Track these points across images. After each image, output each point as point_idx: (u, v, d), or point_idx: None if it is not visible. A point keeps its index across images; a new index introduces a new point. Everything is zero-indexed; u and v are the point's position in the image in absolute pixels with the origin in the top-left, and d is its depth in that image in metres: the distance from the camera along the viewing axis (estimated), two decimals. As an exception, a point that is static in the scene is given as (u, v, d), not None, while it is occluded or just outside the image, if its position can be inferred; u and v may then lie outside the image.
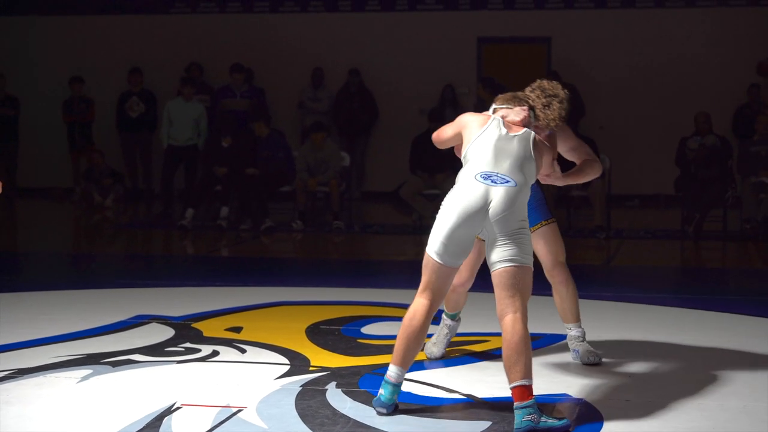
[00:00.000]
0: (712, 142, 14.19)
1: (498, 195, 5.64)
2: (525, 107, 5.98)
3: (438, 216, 5.76)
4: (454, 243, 5.68)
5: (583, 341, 6.87)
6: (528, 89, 6.26)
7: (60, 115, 17.86)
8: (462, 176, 5.80)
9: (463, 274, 6.56)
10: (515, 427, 5.38)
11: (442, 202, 5.78)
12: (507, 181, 5.68)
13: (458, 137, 5.97)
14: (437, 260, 5.72)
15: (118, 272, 11.47)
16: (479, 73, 17.90)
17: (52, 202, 17.91)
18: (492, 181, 5.68)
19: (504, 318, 5.57)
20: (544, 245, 6.67)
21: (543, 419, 5.39)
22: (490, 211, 5.62)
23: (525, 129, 5.89)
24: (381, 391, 5.73)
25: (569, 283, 6.82)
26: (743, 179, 14.13)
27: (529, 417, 5.35)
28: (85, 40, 18.75)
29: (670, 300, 9.37)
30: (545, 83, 6.26)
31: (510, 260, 5.59)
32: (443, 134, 6.08)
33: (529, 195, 5.81)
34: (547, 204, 6.77)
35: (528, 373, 5.43)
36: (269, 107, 16.63)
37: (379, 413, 5.67)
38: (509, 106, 5.98)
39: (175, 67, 17.75)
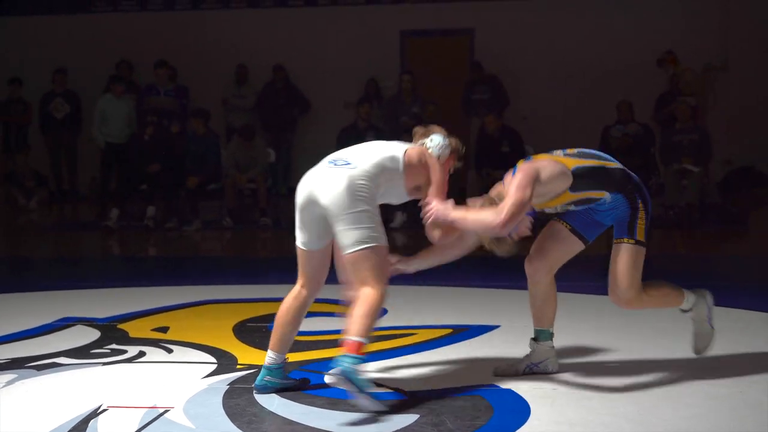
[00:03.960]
0: (634, 130, 14.33)
1: (332, 175, 5.83)
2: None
3: None
4: (300, 226, 6.06)
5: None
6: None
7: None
8: None
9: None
10: (334, 364, 5.51)
11: None
12: (347, 164, 5.87)
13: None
14: (296, 244, 6.12)
15: (43, 275, 11.34)
16: (403, 66, 17.93)
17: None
18: (333, 163, 5.91)
19: (361, 289, 5.77)
20: (612, 262, 6.11)
21: (365, 381, 5.51)
22: (323, 192, 5.82)
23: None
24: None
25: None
26: (666, 166, 14.30)
27: (355, 366, 5.47)
28: (6, 42, 18.52)
29: (594, 288, 9.44)
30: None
31: (355, 244, 5.75)
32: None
33: (372, 182, 5.83)
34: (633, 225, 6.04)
35: (367, 335, 5.62)
36: (193, 105, 16.54)
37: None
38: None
39: (98, 67, 17.61)
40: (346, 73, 17.82)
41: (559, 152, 6.03)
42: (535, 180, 5.81)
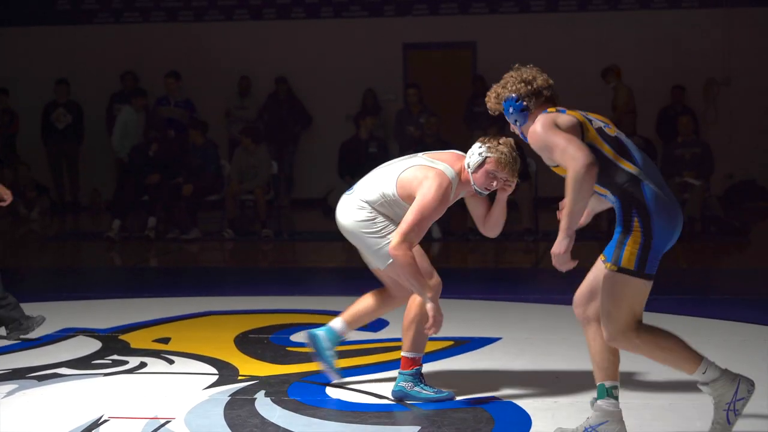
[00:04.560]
0: (636, 143, 14.34)
1: (341, 204, 6.24)
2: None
3: None
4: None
5: None
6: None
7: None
8: None
9: None
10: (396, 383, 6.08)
11: None
12: (352, 191, 6.22)
13: None
14: None
15: (44, 285, 11.33)
16: (405, 78, 17.94)
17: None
18: (347, 192, 6.28)
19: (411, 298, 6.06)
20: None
21: (421, 392, 5.99)
22: (338, 221, 6.23)
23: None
24: None
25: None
26: (667, 180, 14.28)
27: (406, 384, 6.01)
28: (7, 52, 18.54)
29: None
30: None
31: (381, 263, 6.07)
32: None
33: (371, 205, 6.09)
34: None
35: (415, 347, 6.03)
36: (199, 116, 16.57)
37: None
38: None
39: (100, 78, 17.64)
40: (349, 86, 17.83)
41: (599, 122, 5.31)
42: (554, 124, 5.15)
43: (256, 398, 6.11)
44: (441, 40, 18.09)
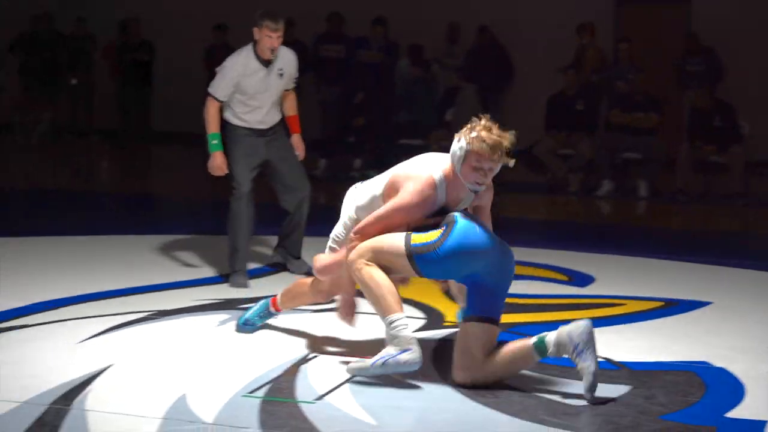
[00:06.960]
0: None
1: None
2: None
3: None
4: None
5: None
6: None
7: (200, 60, 18.12)
8: None
9: None
10: None
11: None
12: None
13: None
14: None
15: (256, 219, 11.51)
16: (616, 35, 17.57)
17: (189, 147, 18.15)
18: None
19: None
20: None
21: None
22: None
23: None
24: None
25: None
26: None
27: None
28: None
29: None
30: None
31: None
32: None
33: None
34: None
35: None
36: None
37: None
38: None
39: (313, 18, 17.72)
40: (560, 38, 17.54)
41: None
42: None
43: (463, 345, 6.09)
44: (657, -5, 17.68)
